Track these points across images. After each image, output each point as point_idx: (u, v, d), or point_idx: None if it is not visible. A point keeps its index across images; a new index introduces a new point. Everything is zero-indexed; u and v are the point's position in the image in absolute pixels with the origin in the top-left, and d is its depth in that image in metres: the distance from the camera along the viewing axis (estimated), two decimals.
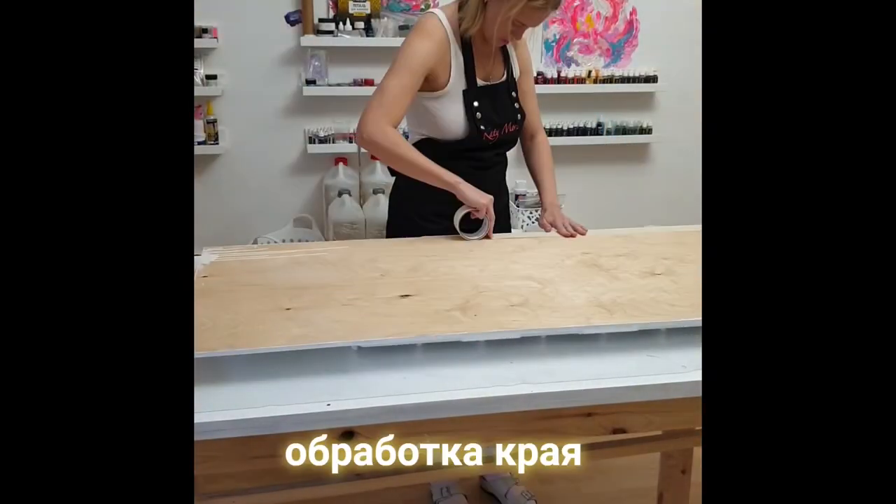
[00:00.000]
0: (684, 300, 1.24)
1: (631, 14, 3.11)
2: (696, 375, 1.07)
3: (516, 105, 1.75)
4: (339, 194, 2.93)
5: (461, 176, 1.60)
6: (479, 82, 1.67)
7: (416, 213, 1.71)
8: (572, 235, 1.67)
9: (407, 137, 1.70)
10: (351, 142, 2.96)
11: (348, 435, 1.00)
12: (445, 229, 1.64)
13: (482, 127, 1.66)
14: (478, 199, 1.57)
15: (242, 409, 0.97)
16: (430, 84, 1.62)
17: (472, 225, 1.62)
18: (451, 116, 1.65)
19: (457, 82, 1.64)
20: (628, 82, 3.12)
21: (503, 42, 1.64)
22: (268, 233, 2.93)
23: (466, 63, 1.64)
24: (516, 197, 3.00)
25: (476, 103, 1.65)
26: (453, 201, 1.59)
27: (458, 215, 1.59)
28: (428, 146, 1.69)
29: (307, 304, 1.21)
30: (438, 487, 2.01)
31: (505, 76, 1.74)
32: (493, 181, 1.76)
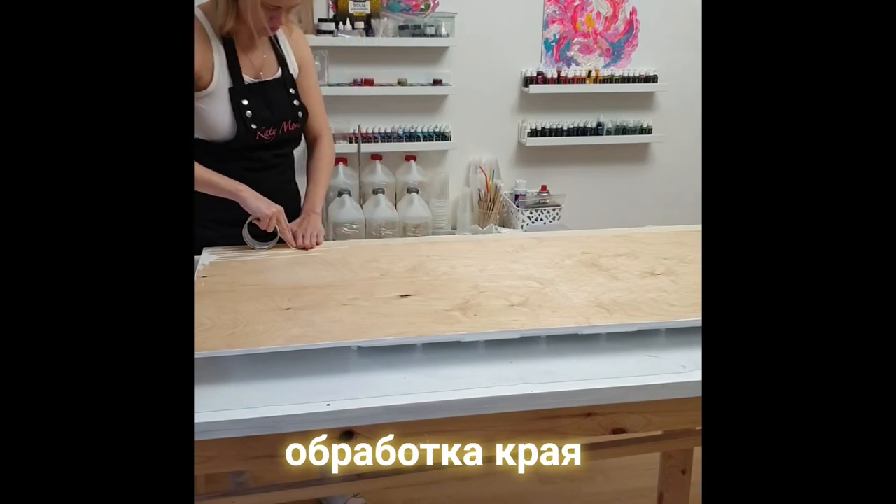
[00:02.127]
0: (684, 300, 1.24)
1: (631, 14, 3.11)
2: (696, 375, 1.07)
3: (295, 102, 1.66)
4: (339, 194, 2.93)
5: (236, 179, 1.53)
6: (247, 79, 1.58)
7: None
8: (304, 247, 1.53)
9: None
10: (351, 142, 2.96)
11: (348, 435, 1.00)
12: (224, 236, 1.56)
13: (254, 126, 1.57)
14: (262, 208, 1.48)
15: (242, 409, 0.97)
16: (195, 84, 1.53)
17: (263, 232, 1.53)
18: (219, 116, 1.56)
19: (221, 80, 1.55)
20: (628, 82, 3.12)
21: (265, 32, 1.54)
22: None
23: (230, 59, 1.56)
24: (516, 197, 2.99)
25: (245, 101, 1.56)
26: (232, 206, 1.51)
27: (246, 224, 1.52)
28: (197, 148, 1.58)
29: (307, 304, 1.21)
30: None
31: (280, 72, 1.65)
32: (272, 182, 1.65)
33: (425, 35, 2.85)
